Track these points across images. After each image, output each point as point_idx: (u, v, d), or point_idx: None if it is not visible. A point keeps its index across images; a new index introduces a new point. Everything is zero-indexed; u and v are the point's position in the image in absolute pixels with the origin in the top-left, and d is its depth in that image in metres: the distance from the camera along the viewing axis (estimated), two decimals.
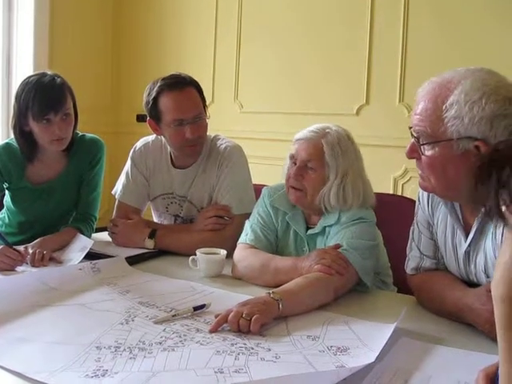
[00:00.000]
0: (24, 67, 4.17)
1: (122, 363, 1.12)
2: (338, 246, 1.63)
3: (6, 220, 2.24)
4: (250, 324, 1.29)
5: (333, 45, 3.69)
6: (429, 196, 1.52)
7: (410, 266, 1.59)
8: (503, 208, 0.78)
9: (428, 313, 1.50)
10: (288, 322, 1.38)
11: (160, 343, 1.23)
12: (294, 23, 3.86)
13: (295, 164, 1.77)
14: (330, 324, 1.38)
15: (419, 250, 1.56)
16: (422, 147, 1.34)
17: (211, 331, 1.30)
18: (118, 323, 1.34)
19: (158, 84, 2.06)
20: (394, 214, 2.03)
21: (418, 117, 1.34)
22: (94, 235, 2.21)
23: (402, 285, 1.77)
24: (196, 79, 2.13)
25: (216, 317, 1.34)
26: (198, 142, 2.09)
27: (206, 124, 2.10)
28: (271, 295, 1.39)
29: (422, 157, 1.35)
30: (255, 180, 2.22)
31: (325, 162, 1.72)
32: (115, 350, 1.18)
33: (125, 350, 1.19)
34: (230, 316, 1.31)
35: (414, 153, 1.37)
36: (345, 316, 1.44)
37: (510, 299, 0.81)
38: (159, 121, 2.07)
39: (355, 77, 3.61)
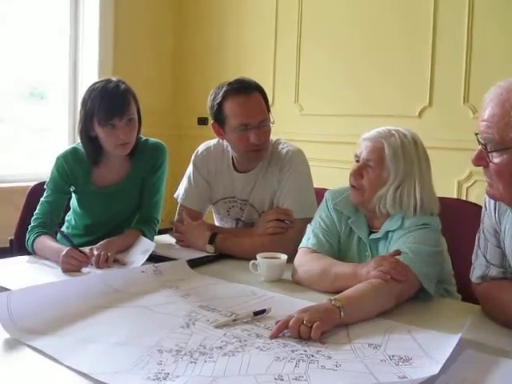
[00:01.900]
0: (89, 73, 4.31)
1: (183, 367, 1.13)
2: (397, 253, 1.59)
3: (73, 222, 2.30)
4: (311, 331, 1.28)
5: (395, 45, 3.63)
6: (496, 202, 1.47)
7: (475, 274, 1.54)
8: None
9: (494, 323, 1.45)
10: (349, 330, 1.36)
11: (220, 348, 1.23)
12: (354, 24, 3.82)
13: (358, 163, 1.76)
14: (392, 332, 1.35)
15: (485, 258, 1.51)
16: (489, 154, 1.30)
17: (272, 337, 1.30)
18: (179, 326, 1.36)
19: (224, 88, 2.07)
20: (457, 219, 1.98)
21: (484, 123, 1.29)
22: (157, 238, 2.25)
23: (467, 293, 1.72)
24: None
25: (277, 323, 1.33)
26: (263, 147, 2.10)
27: (270, 129, 2.11)
28: (332, 302, 1.38)
29: (490, 164, 1.31)
30: (315, 183, 2.21)
31: (385, 163, 1.70)
32: (176, 354, 1.20)
33: (186, 354, 1.20)
34: (291, 322, 1.30)
35: (481, 160, 1.33)
36: (407, 325, 1.40)
37: None
38: (224, 125, 2.09)
39: (418, 78, 3.54)
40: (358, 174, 1.75)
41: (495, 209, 1.49)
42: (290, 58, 4.19)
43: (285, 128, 3.82)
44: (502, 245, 1.48)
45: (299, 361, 1.17)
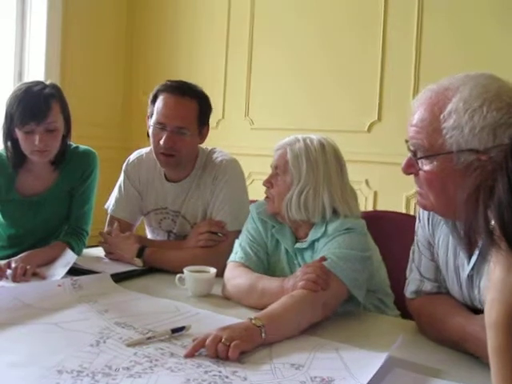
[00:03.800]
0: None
1: None
2: (323, 259, 1.51)
3: None
4: (229, 350, 1.18)
5: (345, 61, 3.60)
6: (429, 214, 1.41)
7: (409, 289, 1.46)
8: (492, 225, 0.67)
9: (428, 341, 1.38)
10: (272, 348, 1.27)
11: (128, 368, 1.12)
12: (305, 38, 3.78)
13: None
14: (319, 351, 1.26)
15: (419, 272, 1.44)
16: (419, 161, 1.23)
17: (186, 356, 1.19)
18: (88, 345, 1.24)
19: (162, 83, 2.02)
20: (399, 232, 1.92)
21: (413, 128, 1.23)
22: (86, 251, 2.13)
23: (406, 309, 1.65)
24: (207, 95, 2.07)
25: (194, 341, 1.23)
26: (173, 154, 1.99)
27: (190, 141, 2.00)
28: (253, 321, 1.28)
29: (420, 172, 1.24)
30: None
31: (288, 169, 1.66)
32: (77, 375, 1.08)
33: (87, 375, 1.09)
34: (208, 340, 1.20)
35: (410, 168, 1.26)
36: (336, 342, 1.32)
37: (502, 324, 0.70)
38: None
39: (367, 93, 3.51)
40: (267, 182, 1.73)
41: (429, 220, 1.42)
42: (241, 71, 4.12)
43: (235, 142, 3.75)
44: (435, 258, 1.41)
45: (210, 383, 1.07)
